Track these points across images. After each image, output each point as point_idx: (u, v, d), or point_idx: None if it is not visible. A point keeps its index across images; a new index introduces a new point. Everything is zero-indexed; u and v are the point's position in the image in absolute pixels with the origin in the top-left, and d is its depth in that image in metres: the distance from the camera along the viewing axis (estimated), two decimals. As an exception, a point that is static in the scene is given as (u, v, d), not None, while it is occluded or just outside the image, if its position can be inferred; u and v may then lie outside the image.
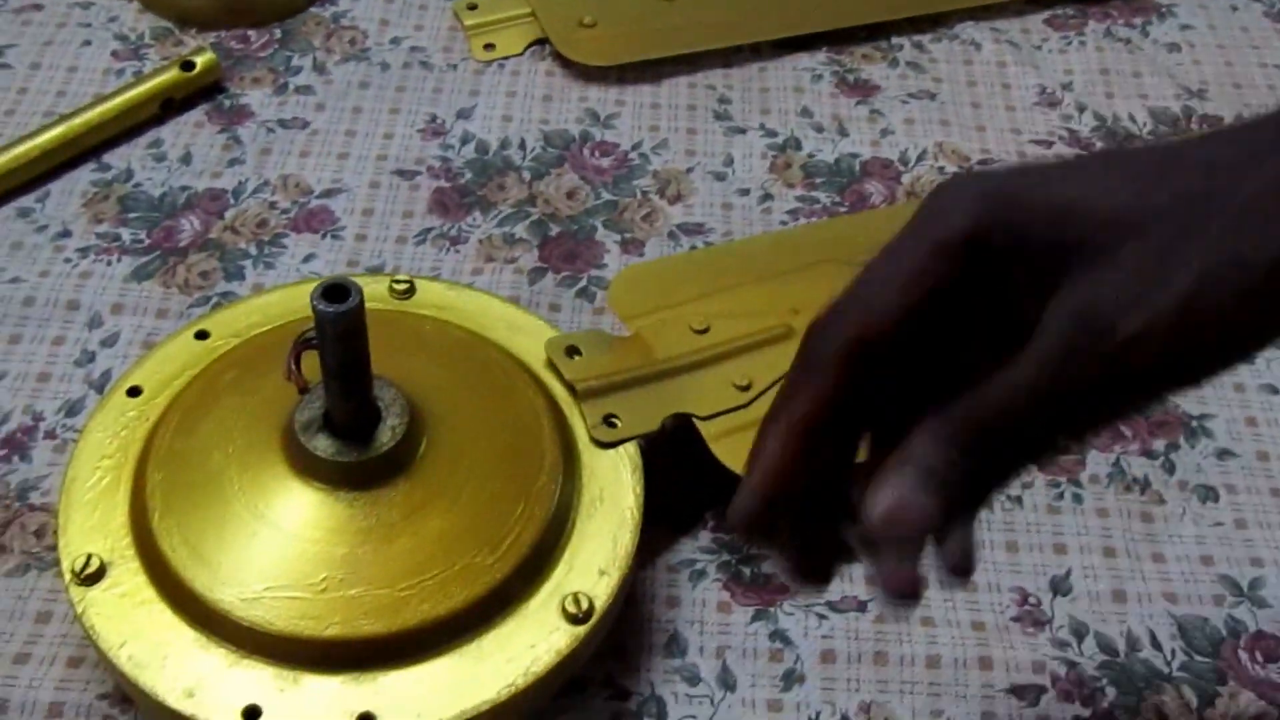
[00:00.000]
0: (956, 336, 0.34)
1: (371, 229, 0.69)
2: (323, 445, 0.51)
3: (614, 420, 0.55)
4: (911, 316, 0.33)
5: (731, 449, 0.55)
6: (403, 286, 0.61)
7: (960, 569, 0.34)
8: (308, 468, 0.51)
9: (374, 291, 0.59)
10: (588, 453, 0.55)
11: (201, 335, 0.58)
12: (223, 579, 0.49)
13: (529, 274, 0.67)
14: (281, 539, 0.50)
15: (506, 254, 0.68)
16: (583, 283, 0.67)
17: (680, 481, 0.57)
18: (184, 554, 0.49)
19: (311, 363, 0.49)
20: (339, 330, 0.47)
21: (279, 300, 0.60)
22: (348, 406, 0.50)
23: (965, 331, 0.34)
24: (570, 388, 0.55)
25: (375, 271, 0.68)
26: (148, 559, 0.49)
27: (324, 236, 0.69)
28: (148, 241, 0.68)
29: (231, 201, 0.70)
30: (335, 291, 0.46)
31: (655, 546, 0.56)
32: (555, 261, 0.68)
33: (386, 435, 0.51)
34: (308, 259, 0.68)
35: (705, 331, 0.59)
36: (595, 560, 0.52)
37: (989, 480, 0.34)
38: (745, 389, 0.57)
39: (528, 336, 0.58)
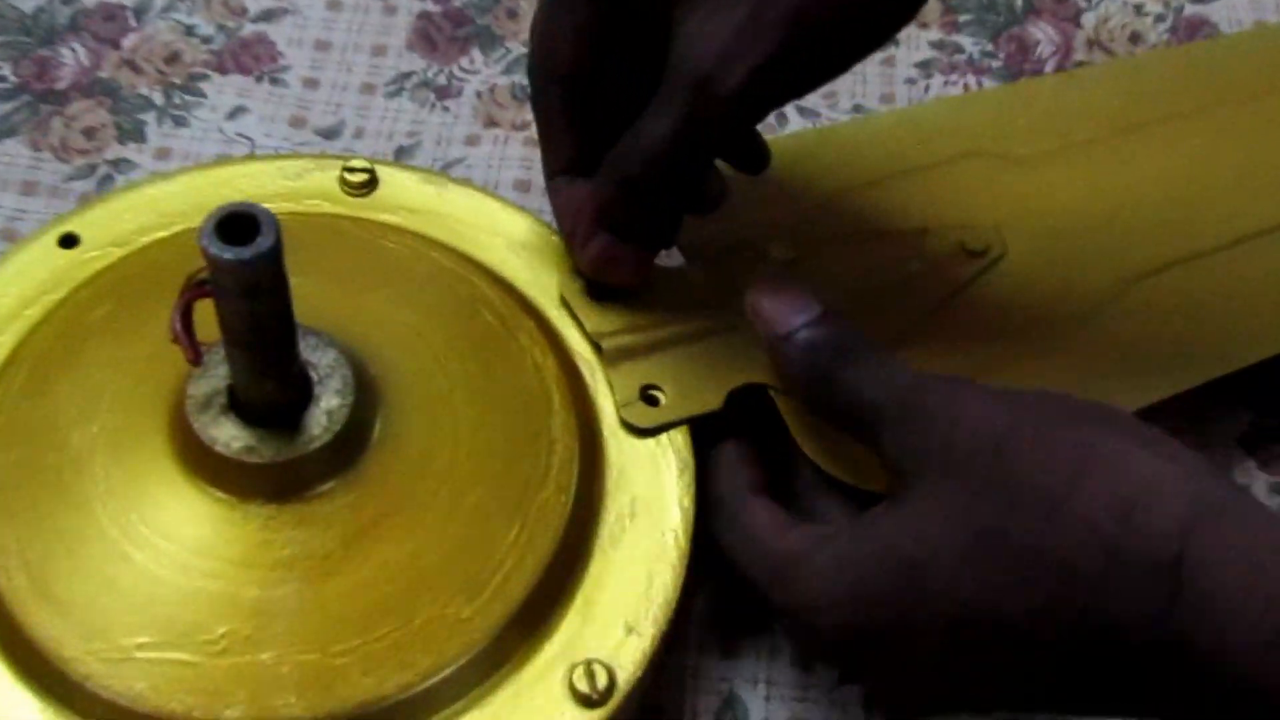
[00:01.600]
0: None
1: (327, 71, 0.61)
2: (226, 435, 0.42)
3: (656, 394, 0.47)
4: (591, 55, 0.45)
5: (820, 437, 0.45)
6: (359, 178, 0.51)
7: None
8: (205, 466, 0.42)
9: (317, 185, 0.50)
10: (616, 444, 0.46)
11: (69, 241, 0.49)
12: (78, 626, 0.41)
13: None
14: (165, 571, 0.42)
15: (515, 115, 0.60)
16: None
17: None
18: (21, 584, 0.41)
19: (210, 315, 0.39)
20: (244, 285, 0.37)
21: (183, 190, 0.50)
22: (262, 384, 0.41)
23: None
24: (594, 345, 0.47)
25: (330, 134, 0.59)
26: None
27: (260, 80, 0.61)
28: (13, 80, 0.60)
29: (133, 23, 0.61)
30: (237, 227, 0.36)
31: (702, 573, 0.47)
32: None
33: (320, 422, 0.43)
34: (234, 114, 0.60)
35: (792, 263, 0.50)
36: (620, 610, 0.43)
37: (661, 211, 0.46)
38: None
39: (538, 261, 0.50)
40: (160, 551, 0.42)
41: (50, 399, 0.44)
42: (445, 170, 0.57)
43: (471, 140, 0.59)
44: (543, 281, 0.49)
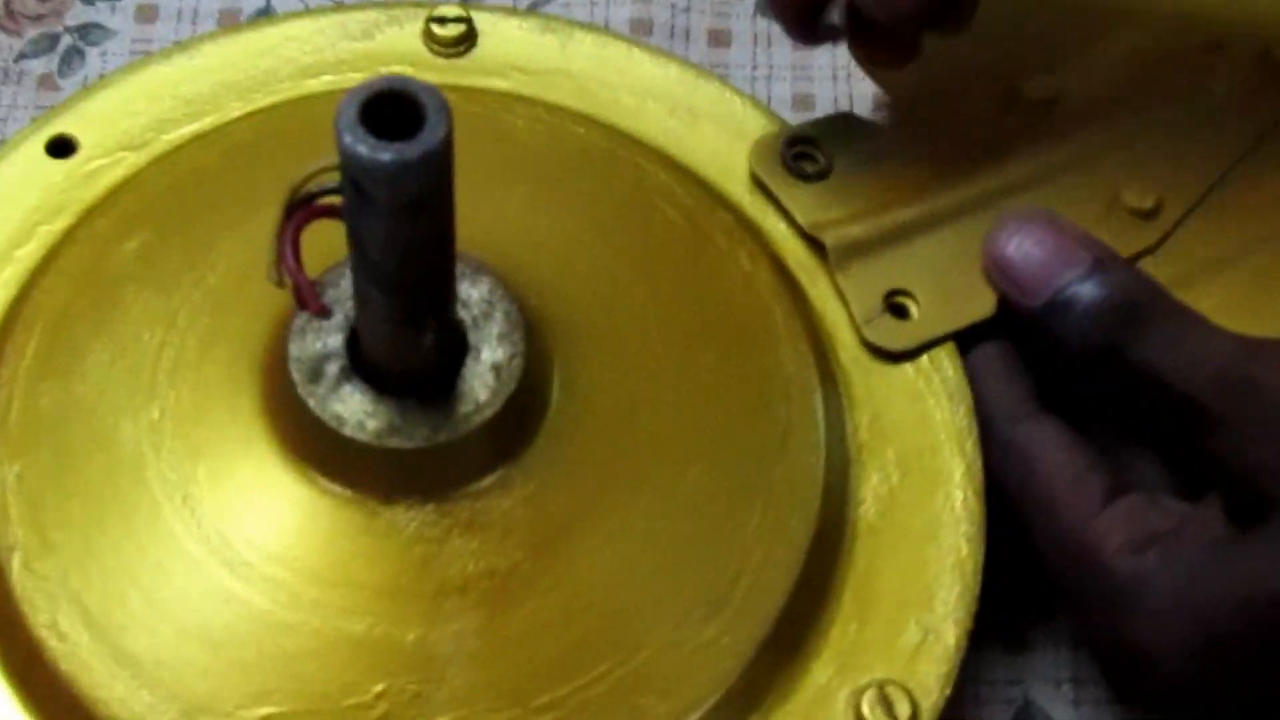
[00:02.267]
0: None
1: None
2: (356, 412, 0.33)
3: (905, 303, 0.39)
4: None
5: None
6: (453, 31, 0.42)
7: None
8: (327, 457, 0.33)
9: (395, 45, 0.42)
10: (862, 376, 0.38)
11: (62, 147, 0.40)
12: (171, 697, 0.32)
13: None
14: (284, 609, 0.33)
15: None
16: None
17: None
18: (82, 642, 0.33)
19: (325, 238, 0.30)
20: (404, 198, 0.28)
21: (209, 66, 0.41)
22: (409, 338, 0.32)
23: None
24: (812, 241, 0.39)
25: None
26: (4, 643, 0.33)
27: None
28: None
29: None
30: (387, 112, 0.27)
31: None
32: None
33: (486, 383, 0.33)
34: None
35: (1050, 105, 0.42)
36: (906, 607, 0.35)
37: None
38: (1150, 214, 0.40)
39: (714, 131, 0.41)
40: (273, 581, 0.33)
41: (82, 378, 0.35)
42: (533, 10, 0.46)
43: None
44: (725, 158, 0.40)
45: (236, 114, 0.40)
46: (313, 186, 0.30)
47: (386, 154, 0.27)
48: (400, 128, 0.27)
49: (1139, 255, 0.40)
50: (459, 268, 0.33)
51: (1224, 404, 0.34)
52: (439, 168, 0.28)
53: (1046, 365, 0.37)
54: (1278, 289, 0.40)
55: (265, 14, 0.47)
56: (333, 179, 0.29)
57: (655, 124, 0.41)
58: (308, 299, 0.30)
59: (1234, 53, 0.43)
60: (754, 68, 0.48)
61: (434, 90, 0.27)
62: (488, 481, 0.33)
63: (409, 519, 0.33)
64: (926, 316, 0.38)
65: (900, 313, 0.38)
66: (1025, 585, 0.39)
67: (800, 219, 0.39)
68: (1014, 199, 0.40)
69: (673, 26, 0.48)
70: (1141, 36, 0.43)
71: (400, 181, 0.27)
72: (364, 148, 0.27)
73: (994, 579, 0.37)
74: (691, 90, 0.41)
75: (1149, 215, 0.40)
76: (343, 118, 0.27)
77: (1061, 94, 0.42)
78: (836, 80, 0.47)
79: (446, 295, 0.31)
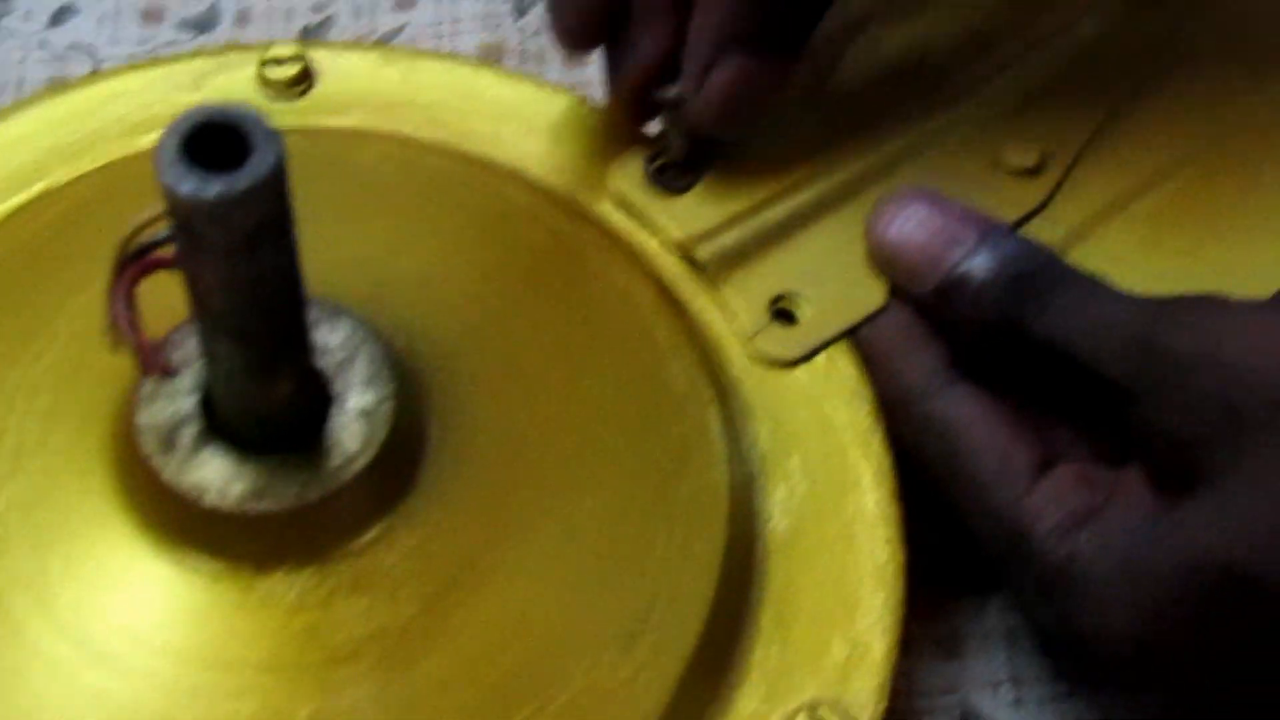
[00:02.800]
0: None
1: None
2: (217, 477, 0.31)
3: (793, 306, 0.37)
4: None
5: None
6: (289, 71, 0.40)
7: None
8: (190, 529, 0.31)
9: (229, 92, 0.39)
10: (756, 385, 0.36)
11: None
12: None
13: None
14: (158, 697, 0.30)
15: None
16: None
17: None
18: None
19: (161, 292, 0.28)
20: (239, 234, 0.26)
21: (30, 133, 0.39)
22: (266, 388, 0.29)
23: None
24: (685, 257, 0.37)
25: (203, 24, 0.48)
26: None
27: None
28: None
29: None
30: (210, 144, 0.25)
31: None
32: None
33: (354, 431, 0.31)
34: (60, 17, 0.48)
35: (921, 63, 0.40)
36: (830, 621, 0.34)
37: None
38: (1034, 171, 0.39)
39: (571, 147, 0.39)
40: (147, 672, 0.30)
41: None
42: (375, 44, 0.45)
43: (404, 2, 0.48)
44: (590, 175, 0.39)
45: (65, 180, 0.37)
46: (144, 238, 0.27)
47: (212, 188, 0.25)
48: (226, 159, 0.25)
49: (1029, 215, 0.38)
50: (315, 313, 0.31)
51: (1133, 374, 0.32)
52: (273, 197, 0.26)
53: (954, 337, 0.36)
54: (1173, 227, 0.38)
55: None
56: (165, 228, 0.27)
57: (513, 147, 0.39)
58: (148, 359, 0.28)
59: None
60: (614, 82, 0.47)
61: (258, 116, 0.25)
62: (369, 536, 0.31)
63: (288, 587, 0.31)
64: (816, 318, 0.36)
65: (788, 318, 0.36)
66: (952, 584, 0.38)
67: (672, 234, 0.37)
68: (891, 177, 0.38)
69: (524, 50, 0.46)
70: None
71: (231, 216, 0.25)
72: (187, 184, 0.25)
73: (918, 581, 0.36)
74: (547, 109, 0.40)
75: (1034, 172, 0.39)
76: (163, 155, 0.25)
77: (926, 49, 0.40)
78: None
79: (300, 339, 0.29)
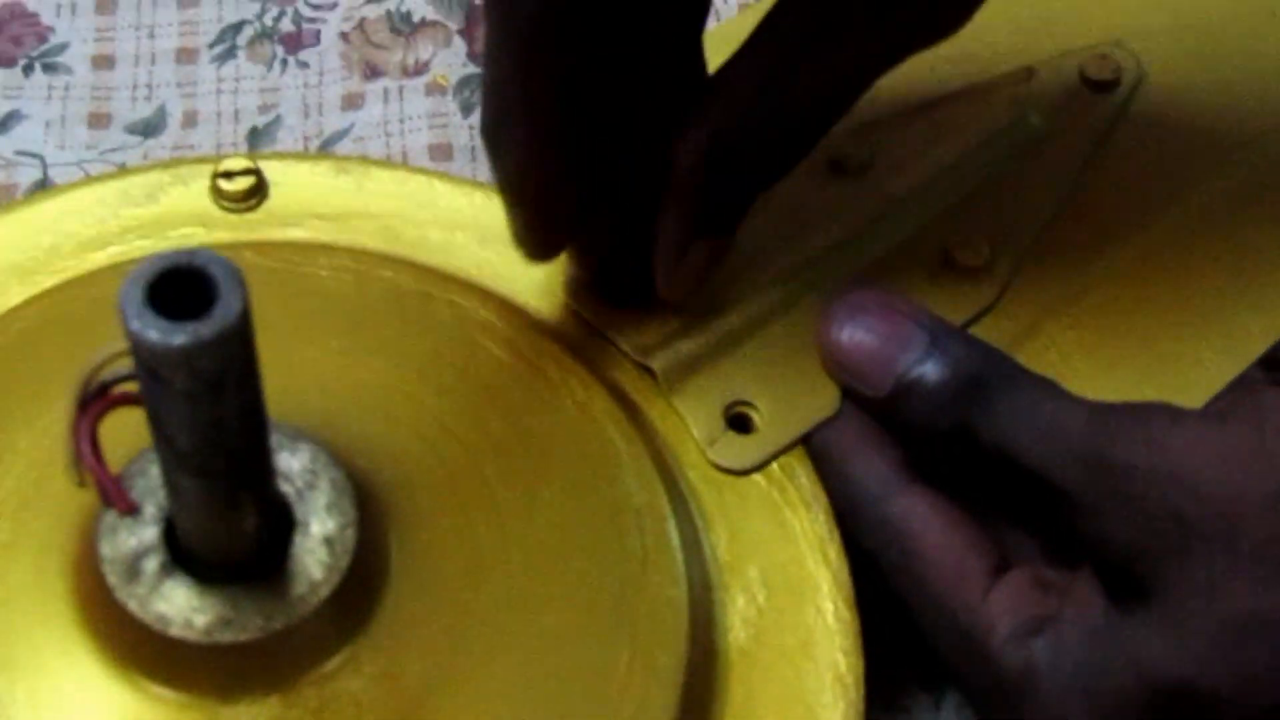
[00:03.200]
0: None
1: (121, 41, 0.50)
2: (182, 609, 0.30)
3: (747, 414, 0.37)
4: None
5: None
6: (242, 184, 0.40)
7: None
8: (155, 661, 0.31)
9: (181, 206, 0.40)
10: (713, 495, 0.37)
11: None
12: None
13: (458, 89, 0.47)
14: None
15: (405, 55, 0.48)
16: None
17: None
18: None
19: (124, 427, 0.28)
20: (204, 380, 0.26)
21: None
22: (229, 521, 0.29)
23: None
24: (640, 366, 0.38)
25: (149, 128, 0.48)
26: None
27: (29, 70, 0.49)
28: None
29: None
30: (180, 285, 0.25)
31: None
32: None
33: (318, 558, 0.31)
34: (4, 125, 0.48)
35: (867, 169, 0.41)
36: None
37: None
38: (983, 270, 0.39)
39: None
40: None
41: None
42: (324, 150, 0.45)
43: (351, 101, 0.48)
44: (545, 283, 0.39)
45: (18, 300, 0.37)
46: (105, 375, 0.28)
47: (179, 336, 0.25)
48: (191, 304, 0.25)
49: (980, 315, 0.38)
50: (275, 438, 0.31)
51: (1082, 484, 0.33)
52: (239, 342, 0.26)
53: (908, 439, 0.36)
54: (1124, 321, 0.39)
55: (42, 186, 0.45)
56: (126, 364, 0.27)
57: (467, 256, 0.39)
58: (114, 496, 0.28)
59: (1046, 78, 0.42)
60: (565, 184, 0.47)
61: (223, 260, 0.25)
62: (334, 663, 0.31)
63: (253, 716, 0.30)
64: (771, 425, 0.37)
65: (743, 425, 0.37)
66: (905, 683, 0.38)
67: (625, 346, 0.37)
68: (840, 276, 0.38)
69: (473, 148, 0.46)
70: (946, 75, 0.42)
71: (198, 364, 0.25)
72: (154, 332, 0.25)
73: (873, 680, 0.36)
74: (501, 217, 0.40)
75: (983, 271, 0.39)
76: (128, 302, 0.25)
77: (874, 155, 0.41)
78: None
79: (263, 473, 0.29)
